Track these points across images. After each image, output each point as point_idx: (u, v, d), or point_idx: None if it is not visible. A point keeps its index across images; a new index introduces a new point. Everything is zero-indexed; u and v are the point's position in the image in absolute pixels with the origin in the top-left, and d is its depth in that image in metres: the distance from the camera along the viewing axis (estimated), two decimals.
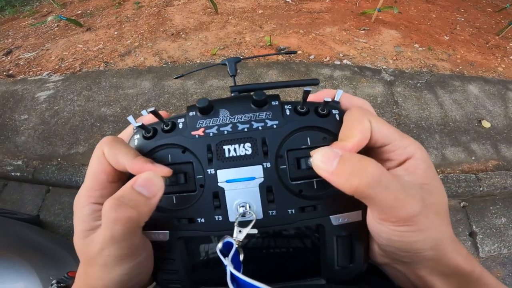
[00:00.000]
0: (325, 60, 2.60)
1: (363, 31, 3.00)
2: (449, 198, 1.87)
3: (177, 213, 0.26)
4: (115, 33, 3.13)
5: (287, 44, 2.74)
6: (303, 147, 0.25)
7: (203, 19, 3.19)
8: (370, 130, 0.23)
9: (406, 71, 2.58)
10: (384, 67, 2.59)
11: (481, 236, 1.77)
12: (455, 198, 1.89)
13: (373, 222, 0.24)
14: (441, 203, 0.23)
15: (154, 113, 0.25)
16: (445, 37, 3.09)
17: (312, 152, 0.23)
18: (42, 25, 3.48)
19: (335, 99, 0.28)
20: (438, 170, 1.92)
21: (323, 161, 0.21)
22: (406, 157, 0.24)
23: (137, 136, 0.27)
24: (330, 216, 0.26)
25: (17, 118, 2.31)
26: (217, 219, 0.26)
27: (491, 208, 1.88)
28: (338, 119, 0.26)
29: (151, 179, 0.23)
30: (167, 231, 0.27)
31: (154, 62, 2.65)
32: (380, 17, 3.22)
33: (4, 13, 4.05)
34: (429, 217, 0.22)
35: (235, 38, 2.83)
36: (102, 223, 0.22)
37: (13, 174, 1.98)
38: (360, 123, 0.23)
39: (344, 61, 2.60)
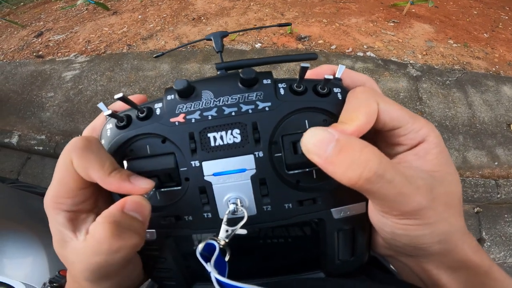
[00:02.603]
0: (347, 51, 2.50)
1: (392, 24, 2.84)
2: (463, 203, 1.77)
3: (162, 211, 0.24)
4: (139, 16, 3.19)
5: (308, 33, 2.66)
6: (301, 131, 0.22)
7: (225, 5, 3.17)
8: (376, 112, 0.20)
9: (435, 67, 2.42)
10: (411, 61, 2.44)
11: (488, 244, 1.69)
12: (470, 203, 1.80)
13: (375, 214, 0.22)
14: (453, 192, 0.21)
15: (123, 99, 0.21)
16: (484, 34, 2.85)
17: (306, 133, 0.20)
18: (72, 8, 3.62)
19: (336, 76, 0.24)
20: None
21: (316, 144, 0.18)
22: (418, 142, 0.21)
23: (109, 126, 0.24)
24: (331, 209, 0.24)
25: (44, 95, 2.43)
26: (206, 216, 0.23)
27: (505, 216, 1.78)
28: (340, 98, 0.23)
29: (140, 204, 0.21)
30: (154, 230, 0.25)
31: (174, 46, 2.68)
32: (413, 10, 3.02)
33: None
34: (437, 210, 0.19)
35: (255, 25, 2.79)
36: (92, 247, 0.19)
37: (36, 148, 2.09)
38: (366, 104, 0.20)
39: (368, 53, 2.48)
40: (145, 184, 0.22)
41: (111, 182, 0.20)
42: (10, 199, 1.11)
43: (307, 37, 2.61)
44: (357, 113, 0.20)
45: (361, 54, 2.48)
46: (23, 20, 3.64)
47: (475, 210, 1.80)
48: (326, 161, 0.18)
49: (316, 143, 0.18)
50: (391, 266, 0.32)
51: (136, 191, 0.21)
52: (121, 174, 0.21)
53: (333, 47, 2.53)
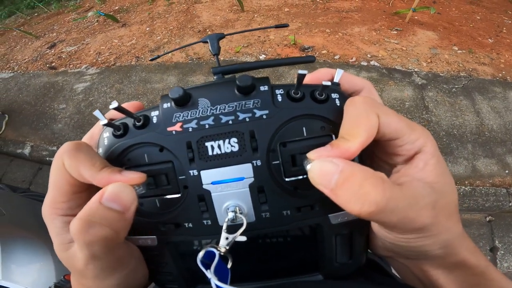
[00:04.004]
0: (351, 60, 2.51)
1: (395, 32, 2.84)
2: (474, 212, 1.77)
3: (162, 218, 0.24)
4: (147, 29, 3.27)
5: (311, 43, 2.68)
6: (298, 139, 0.22)
7: (229, 17, 3.23)
8: (377, 126, 0.20)
9: (441, 74, 2.40)
10: (416, 69, 2.44)
11: (502, 252, 1.66)
12: (481, 212, 1.78)
13: (377, 227, 0.22)
14: (452, 201, 0.21)
15: (118, 109, 0.21)
16: (489, 40, 2.82)
17: (309, 155, 0.20)
18: (84, 20, 3.74)
19: (334, 81, 0.24)
20: (466, 182, 1.79)
21: (321, 175, 0.19)
22: (414, 152, 0.21)
23: (106, 135, 0.24)
24: (329, 215, 0.24)
25: (56, 107, 2.51)
26: (205, 223, 0.24)
27: None
28: (338, 104, 0.22)
29: (119, 192, 0.20)
30: (155, 236, 0.25)
31: (180, 58, 2.74)
32: (416, 17, 3.02)
33: (50, 8, 4.39)
34: (439, 224, 0.20)
35: (259, 36, 2.82)
36: (76, 244, 0.20)
37: (47, 159, 2.16)
38: (366, 118, 0.20)
39: (372, 62, 2.49)
40: (136, 175, 0.21)
41: (102, 177, 0.20)
42: (20, 208, 1.15)
43: (310, 47, 2.64)
44: (359, 129, 0.20)
45: (365, 63, 2.49)
46: (37, 31, 3.77)
47: (487, 219, 1.78)
48: (331, 192, 0.18)
49: (321, 174, 0.19)
50: (393, 271, 0.33)
51: (125, 182, 0.21)
52: (112, 169, 0.21)
53: (337, 57, 2.55)
